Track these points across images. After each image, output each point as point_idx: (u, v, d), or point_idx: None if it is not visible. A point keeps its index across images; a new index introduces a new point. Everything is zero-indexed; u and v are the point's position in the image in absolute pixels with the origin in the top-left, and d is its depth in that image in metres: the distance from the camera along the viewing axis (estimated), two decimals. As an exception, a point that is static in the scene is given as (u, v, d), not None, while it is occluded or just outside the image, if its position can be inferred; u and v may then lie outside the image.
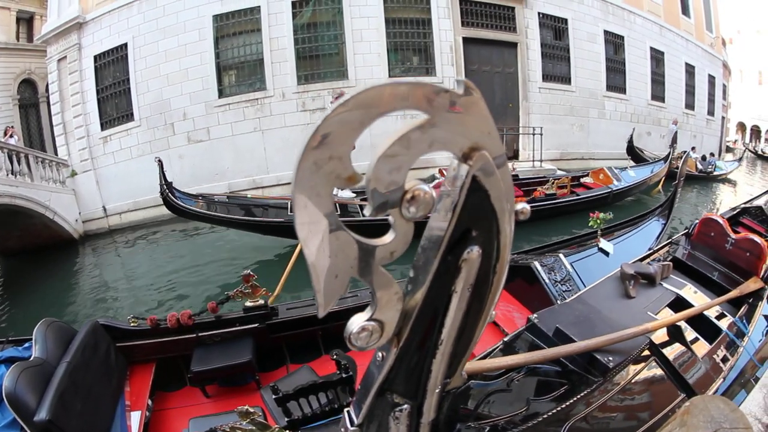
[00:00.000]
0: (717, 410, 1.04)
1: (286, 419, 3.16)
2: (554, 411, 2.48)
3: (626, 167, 14.37)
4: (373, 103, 0.67)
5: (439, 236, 0.86)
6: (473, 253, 0.90)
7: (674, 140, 19.28)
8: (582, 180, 13.07)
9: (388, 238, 0.77)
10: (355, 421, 1.15)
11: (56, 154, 14.25)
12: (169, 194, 8.91)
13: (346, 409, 1.20)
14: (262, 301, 4.38)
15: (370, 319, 0.88)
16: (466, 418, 2.24)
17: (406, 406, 1.13)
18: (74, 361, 3.33)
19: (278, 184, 13.31)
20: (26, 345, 3.53)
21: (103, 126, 13.91)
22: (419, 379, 1.10)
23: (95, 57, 13.85)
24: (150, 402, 3.92)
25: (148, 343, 4.19)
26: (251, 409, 2.70)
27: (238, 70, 13.80)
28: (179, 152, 13.17)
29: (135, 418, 3.67)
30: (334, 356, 3.57)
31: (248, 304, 4.35)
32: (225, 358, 4.10)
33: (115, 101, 13.85)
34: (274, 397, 3.10)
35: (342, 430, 1.19)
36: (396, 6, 14.58)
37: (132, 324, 4.14)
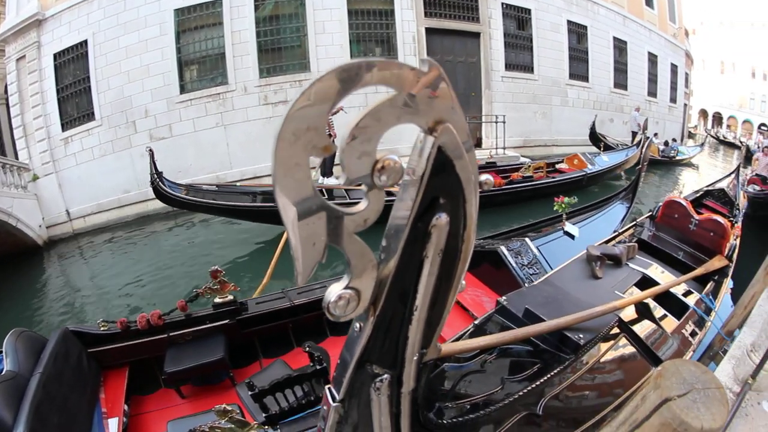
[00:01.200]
0: (689, 372, 1.07)
1: (264, 415, 3.15)
2: (529, 388, 2.50)
3: (599, 153, 15.31)
4: (347, 78, 0.71)
5: (409, 204, 0.90)
6: (441, 219, 0.94)
7: (645, 127, 19.74)
8: (557, 166, 13.71)
9: (362, 206, 0.81)
10: (337, 397, 1.17)
11: (17, 157, 13.80)
12: (160, 184, 9.00)
13: (327, 386, 1.23)
14: (231, 297, 4.32)
15: (347, 288, 0.90)
16: (444, 398, 2.25)
17: (386, 376, 1.16)
18: (47, 372, 3.23)
19: (242, 179, 12.94)
20: None
21: (64, 126, 13.48)
22: (397, 347, 1.12)
23: (55, 55, 13.41)
24: (126, 407, 3.83)
25: (119, 347, 4.08)
26: (228, 408, 2.69)
27: (199, 64, 13.54)
28: (141, 150, 12.16)
29: (113, 426, 3.58)
30: (307, 348, 3.56)
31: (217, 300, 4.28)
32: (198, 357, 4.04)
33: (75, 100, 13.43)
34: (250, 393, 3.07)
35: (324, 407, 1.22)
36: (359, -4, 14.54)
37: (102, 328, 4.01)
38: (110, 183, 12.77)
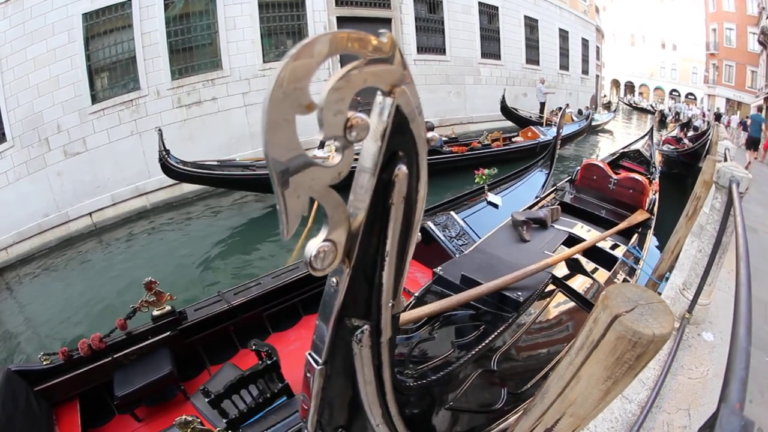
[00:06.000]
0: (631, 292, 1.17)
1: (224, 420, 3.12)
2: (480, 347, 2.56)
3: (551, 125, 16.31)
4: (326, 46, 0.79)
5: (374, 158, 1.00)
6: (402, 170, 1.05)
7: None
8: (513, 139, 14.81)
9: (336, 160, 0.89)
10: (320, 360, 1.24)
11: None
12: (168, 160, 9.90)
13: (307, 353, 1.28)
14: (169, 308, 4.20)
15: (325, 240, 0.99)
16: (401, 365, 2.30)
17: (366, 326, 1.23)
18: None
19: (162, 187, 12.76)
20: None
21: (-26, 152, 12.49)
22: (371, 296, 1.20)
23: (-41, 73, 12.37)
24: None
25: (66, 379, 3.85)
26: (189, 418, 2.64)
27: (110, 71, 12.85)
28: (57, 169, 12.12)
29: (74, 465, 3.40)
30: (253, 347, 3.55)
31: (156, 313, 4.14)
32: (146, 375, 3.88)
33: None
34: (206, 400, 3.03)
35: (308, 375, 1.28)
36: (270, -10, 14.33)
37: (45, 362, 3.76)
38: (29, 208, 11.89)
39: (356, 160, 0.98)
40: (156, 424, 3.87)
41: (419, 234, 1.22)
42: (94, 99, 12.47)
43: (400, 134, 1.00)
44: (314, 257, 0.96)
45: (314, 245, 0.97)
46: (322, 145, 0.95)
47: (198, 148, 12.90)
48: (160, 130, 9.91)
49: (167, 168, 10.00)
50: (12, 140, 11.94)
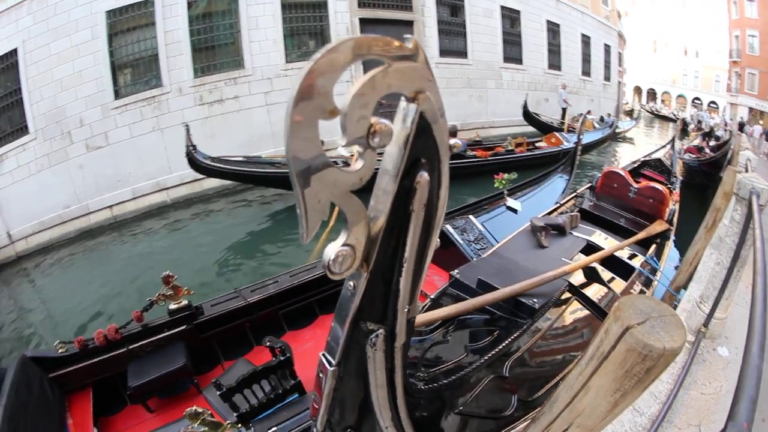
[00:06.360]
0: (644, 304, 1.15)
1: (235, 414, 3.13)
2: (493, 353, 2.55)
3: (573, 132, 16.08)
4: (349, 50, 0.80)
5: (396, 164, 1.00)
6: (424, 176, 1.04)
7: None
8: (537, 145, 14.89)
9: (358, 165, 0.89)
10: (333, 361, 1.24)
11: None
12: (195, 155, 10.10)
13: (321, 353, 1.28)
14: (185, 302, 4.23)
15: (344, 245, 0.99)
16: (413, 367, 2.30)
17: (380, 330, 1.23)
18: (10, 405, 3.03)
19: (182, 183, 12.89)
20: None
21: (-2, 143, 12.65)
22: (387, 301, 1.20)
23: (-17, 68, 12.50)
24: (96, 431, 3.66)
25: (80, 368, 3.88)
26: (200, 410, 2.65)
27: (133, 67, 12.96)
28: (79, 162, 12.25)
29: (85, 453, 3.43)
30: (267, 343, 3.56)
31: (172, 306, 4.17)
32: (160, 367, 3.91)
33: (7, 114, 12.38)
34: (218, 393, 3.05)
35: (321, 376, 1.28)
36: (292, -10, 14.35)
37: (60, 350, 3.81)
38: (50, 199, 12.05)
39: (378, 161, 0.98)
40: (167, 416, 3.90)
41: (438, 240, 1.22)
42: (117, 95, 12.62)
43: (423, 139, 1.00)
44: (333, 261, 0.96)
45: (333, 249, 0.97)
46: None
47: (219, 145, 12.86)
48: (187, 125, 10.07)
49: (194, 163, 10.16)
50: (34, 133, 12.12)
